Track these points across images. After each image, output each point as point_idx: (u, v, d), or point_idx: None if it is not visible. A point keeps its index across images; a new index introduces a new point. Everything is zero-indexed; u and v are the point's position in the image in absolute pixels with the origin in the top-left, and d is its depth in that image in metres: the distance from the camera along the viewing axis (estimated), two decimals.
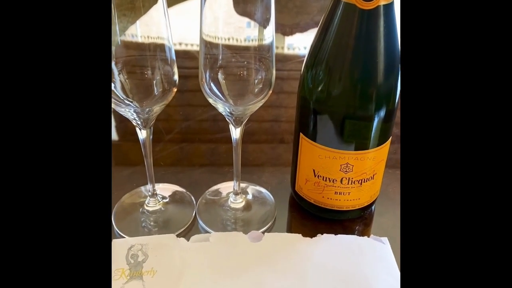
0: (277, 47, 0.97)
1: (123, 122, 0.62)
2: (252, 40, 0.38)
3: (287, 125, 0.64)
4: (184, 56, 0.76)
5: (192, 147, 0.59)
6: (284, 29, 1.03)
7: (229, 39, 0.37)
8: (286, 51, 0.90)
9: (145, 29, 0.37)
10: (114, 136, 0.62)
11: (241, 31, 0.37)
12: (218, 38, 0.37)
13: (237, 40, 0.37)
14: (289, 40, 0.96)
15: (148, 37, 0.38)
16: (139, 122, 0.40)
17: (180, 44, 0.82)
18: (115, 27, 0.36)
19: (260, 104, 0.40)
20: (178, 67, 0.40)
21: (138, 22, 0.36)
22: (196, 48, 0.78)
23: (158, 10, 0.37)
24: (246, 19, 0.37)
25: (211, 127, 0.63)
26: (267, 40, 0.37)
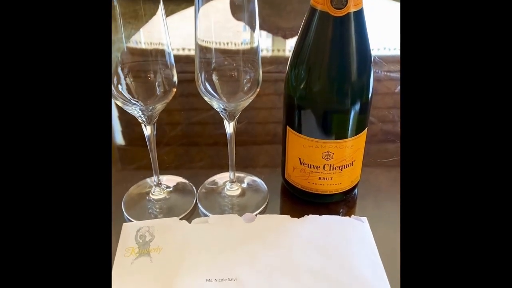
0: (278, 50, 1.02)
1: (129, 127, 0.68)
2: (242, 44, 0.43)
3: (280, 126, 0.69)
4: (186, 60, 0.81)
5: (193, 144, 0.65)
6: (284, 32, 1.08)
7: (220, 44, 0.43)
8: (287, 53, 0.95)
9: (147, 36, 0.43)
10: (121, 138, 0.67)
11: (230, 37, 0.42)
12: (211, 43, 0.43)
13: (228, 45, 0.43)
14: (291, 42, 1.00)
15: (150, 43, 0.43)
16: (144, 119, 0.46)
17: (183, 49, 0.88)
18: (121, 35, 0.41)
19: (249, 100, 0.45)
20: (181, 72, 0.45)
21: (141, 30, 0.42)
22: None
23: (158, 19, 0.42)
24: (235, 27, 0.42)
25: (209, 127, 0.69)
26: (254, 44, 0.43)
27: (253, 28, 0.42)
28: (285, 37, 1.05)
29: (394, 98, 0.75)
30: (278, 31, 1.06)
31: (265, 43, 1.04)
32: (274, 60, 0.97)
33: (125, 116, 0.70)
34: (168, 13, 0.85)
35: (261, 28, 1.06)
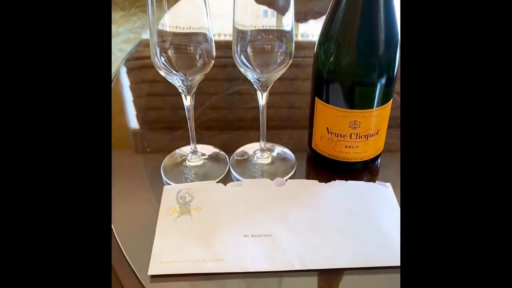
0: (298, 35, 1.05)
1: (166, 109, 0.71)
2: (275, 21, 0.46)
3: (301, 111, 0.71)
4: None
5: (223, 115, 0.68)
6: (298, 16, 1.10)
7: (257, 18, 0.46)
8: (300, 38, 0.97)
9: (189, 11, 0.46)
10: (159, 110, 0.71)
11: (265, 17, 0.45)
12: (247, 22, 0.46)
13: (263, 19, 0.46)
14: (303, 27, 1.03)
15: (191, 18, 0.47)
16: (184, 89, 0.50)
17: (219, 35, 0.89)
18: (165, 9, 0.45)
19: (282, 71, 0.49)
20: (216, 57, 0.48)
21: (184, 7, 0.45)
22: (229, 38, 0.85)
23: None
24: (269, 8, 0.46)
25: (238, 100, 0.72)
26: (287, 21, 0.46)
27: (287, 8, 0.45)
28: (299, 21, 1.07)
29: None
30: (300, 16, 1.09)
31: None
32: (297, 45, 0.99)
33: (156, 98, 0.73)
34: None
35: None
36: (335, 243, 0.45)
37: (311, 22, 1.04)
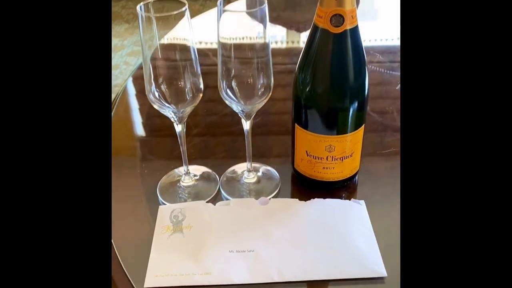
0: (292, 42, 1.10)
1: (162, 129, 0.77)
2: (256, 58, 0.52)
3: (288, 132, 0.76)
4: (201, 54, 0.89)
5: (215, 138, 0.74)
6: (297, 26, 1.15)
7: (238, 58, 0.51)
8: (301, 44, 1.02)
9: (178, 49, 0.52)
10: (155, 135, 0.77)
11: (247, 53, 0.51)
12: (232, 58, 0.51)
13: (244, 59, 0.52)
14: (303, 36, 1.07)
15: (180, 59, 0.52)
16: (176, 119, 0.55)
17: (200, 43, 0.95)
18: (157, 47, 0.50)
19: (263, 103, 0.54)
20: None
21: (174, 44, 0.51)
22: (212, 46, 0.90)
23: (186, 32, 0.50)
24: (250, 45, 0.51)
25: (229, 123, 0.78)
26: (266, 58, 0.52)
27: (266, 47, 0.51)
28: (299, 30, 1.12)
29: (393, 97, 0.83)
30: (292, 24, 1.14)
31: (279, 36, 1.13)
32: (288, 52, 1.05)
33: (155, 122, 0.79)
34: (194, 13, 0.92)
35: (276, 22, 1.16)
36: (311, 257, 0.50)
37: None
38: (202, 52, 0.72)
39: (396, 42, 1.04)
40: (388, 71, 0.90)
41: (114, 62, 2.23)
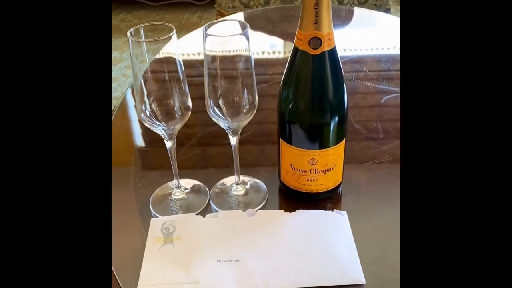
0: (289, 52, 1.14)
1: (153, 143, 0.80)
2: (241, 78, 0.55)
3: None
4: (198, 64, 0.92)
5: (205, 152, 0.77)
6: (293, 37, 1.18)
7: (224, 78, 0.55)
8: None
9: (166, 71, 0.55)
10: (148, 150, 0.80)
11: (232, 73, 0.54)
12: (218, 77, 0.54)
13: (229, 78, 0.55)
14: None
15: (168, 78, 0.55)
16: (166, 136, 0.58)
17: (198, 54, 0.98)
18: (147, 67, 0.53)
19: (248, 120, 0.57)
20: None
21: (163, 65, 0.54)
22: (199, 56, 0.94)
23: (174, 54, 0.54)
24: (235, 65, 0.54)
25: (218, 138, 0.81)
26: (250, 78, 0.55)
27: (250, 70, 0.54)
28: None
29: (378, 110, 0.86)
30: (287, 35, 1.18)
31: (277, 46, 1.18)
32: (285, 61, 1.08)
33: (149, 135, 0.82)
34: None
35: (273, 33, 1.20)
36: (295, 266, 0.53)
37: None
38: (199, 63, 0.76)
39: (382, 51, 1.08)
40: (373, 84, 0.94)
41: (113, 74, 2.27)
